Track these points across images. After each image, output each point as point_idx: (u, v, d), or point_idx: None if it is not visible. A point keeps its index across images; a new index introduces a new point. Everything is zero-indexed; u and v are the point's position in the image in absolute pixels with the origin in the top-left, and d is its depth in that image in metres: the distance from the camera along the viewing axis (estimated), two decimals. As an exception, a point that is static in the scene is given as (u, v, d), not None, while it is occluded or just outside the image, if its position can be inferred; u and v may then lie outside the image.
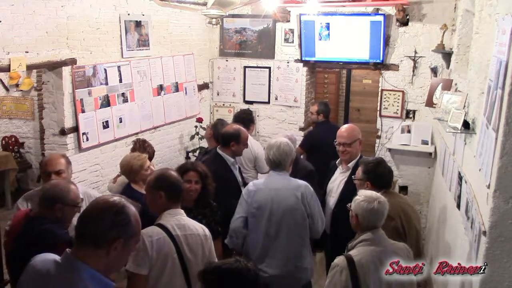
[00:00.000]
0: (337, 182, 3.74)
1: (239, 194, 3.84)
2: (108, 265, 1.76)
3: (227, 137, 3.97)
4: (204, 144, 5.45)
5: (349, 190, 3.40)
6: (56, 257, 1.79)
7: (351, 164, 3.69)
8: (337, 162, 3.84)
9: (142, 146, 4.14)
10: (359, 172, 3.31)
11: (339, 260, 2.57)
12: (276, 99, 6.19)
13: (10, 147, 6.80)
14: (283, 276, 3.26)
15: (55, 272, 1.73)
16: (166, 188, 2.72)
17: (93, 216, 1.75)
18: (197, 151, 5.67)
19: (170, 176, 2.80)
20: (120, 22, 4.73)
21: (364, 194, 2.70)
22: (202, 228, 2.76)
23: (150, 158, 4.08)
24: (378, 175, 3.20)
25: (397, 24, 5.44)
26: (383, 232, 2.68)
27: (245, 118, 4.88)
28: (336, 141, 3.79)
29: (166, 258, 2.56)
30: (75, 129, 4.30)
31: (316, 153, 5.17)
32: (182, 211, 2.77)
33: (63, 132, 4.21)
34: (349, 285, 2.49)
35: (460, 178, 3.07)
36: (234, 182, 3.94)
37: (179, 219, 2.70)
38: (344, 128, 3.89)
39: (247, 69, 6.27)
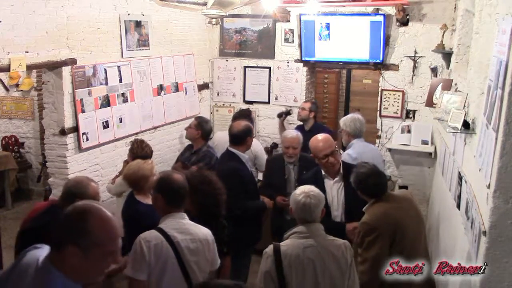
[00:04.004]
0: (334, 193, 3.63)
1: (255, 190, 4.01)
2: (76, 273, 1.70)
3: (243, 134, 4.01)
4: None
5: (352, 198, 3.45)
6: (44, 254, 1.74)
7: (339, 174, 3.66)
8: (323, 174, 3.68)
9: (140, 146, 4.12)
10: None
11: (269, 248, 2.66)
12: (276, 99, 6.18)
13: (10, 147, 6.80)
14: None
15: (31, 272, 1.70)
16: (165, 192, 2.68)
17: (60, 218, 1.73)
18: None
19: (171, 180, 2.74)
20: (120, 22, 4.72)
21: (300, 188, 2.78)
22: (204, 233, 2.70)
23: (148, 158, 4.08)
24: (360, 182, 3.14)
25: (397, 24, 5.44)
26: (319, 227, 2.69)
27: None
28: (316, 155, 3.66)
29: (165, 264, 2.52)
30: (75, 129, 4.30)
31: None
32: (185, 215, 2.71)
33: (63, 132, 4.21)
34: (272, 271, 2.57)
35: (460, 178, 3.06)
36: (251, 178, 4.03)
37: (180, 223, 2.64)
38: (318, 139, 3.70)
39: (247, 69, 6.26)
